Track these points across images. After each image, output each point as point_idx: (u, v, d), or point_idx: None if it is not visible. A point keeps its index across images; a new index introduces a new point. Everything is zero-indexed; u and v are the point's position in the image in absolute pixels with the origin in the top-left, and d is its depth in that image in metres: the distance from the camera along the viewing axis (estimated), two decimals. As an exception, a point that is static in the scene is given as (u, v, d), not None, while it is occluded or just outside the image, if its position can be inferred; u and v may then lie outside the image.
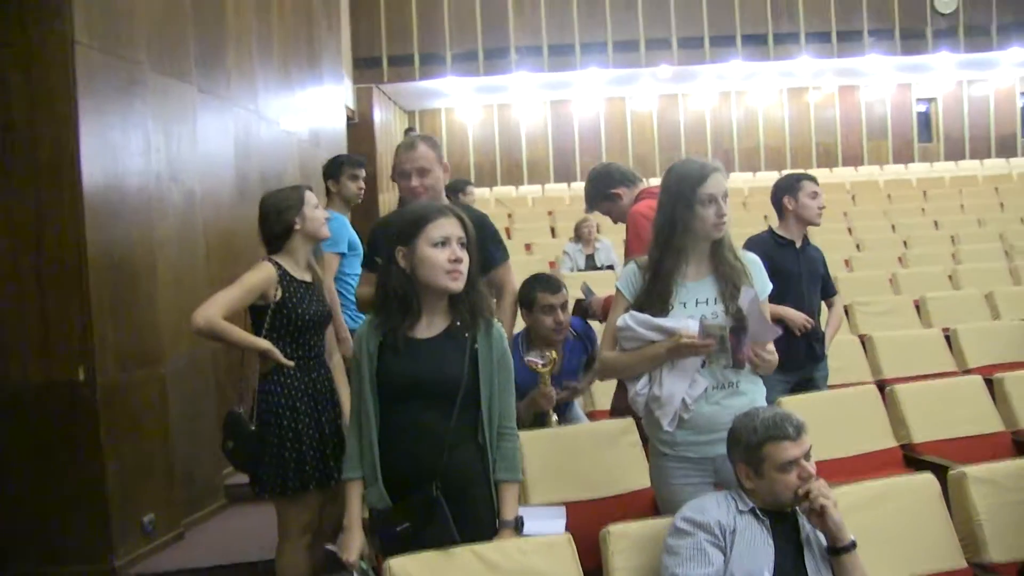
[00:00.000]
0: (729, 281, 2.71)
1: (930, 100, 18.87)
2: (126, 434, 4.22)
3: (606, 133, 18.49)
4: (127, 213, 4.37)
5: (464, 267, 2.42)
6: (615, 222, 4.28)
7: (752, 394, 2.74)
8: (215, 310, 3.08)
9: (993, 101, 18.67)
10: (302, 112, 7.76)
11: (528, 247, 10.52)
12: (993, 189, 14.27)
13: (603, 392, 4.54)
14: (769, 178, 14.27)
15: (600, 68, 15.74)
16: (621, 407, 3.70)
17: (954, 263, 8.57)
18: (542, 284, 3.83)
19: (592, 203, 4.24)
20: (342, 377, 3.41)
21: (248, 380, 3.28)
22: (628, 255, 3.81)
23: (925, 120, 18.76)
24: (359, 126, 13.83)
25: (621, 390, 3.83)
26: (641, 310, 2.71)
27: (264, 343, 3.20)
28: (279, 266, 3.28)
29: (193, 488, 4.83)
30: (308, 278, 3.39)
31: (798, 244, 4.38)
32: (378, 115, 14.74)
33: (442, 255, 2.39)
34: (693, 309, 2.70)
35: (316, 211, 3.39)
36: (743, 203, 12.78)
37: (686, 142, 18.50)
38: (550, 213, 13.32)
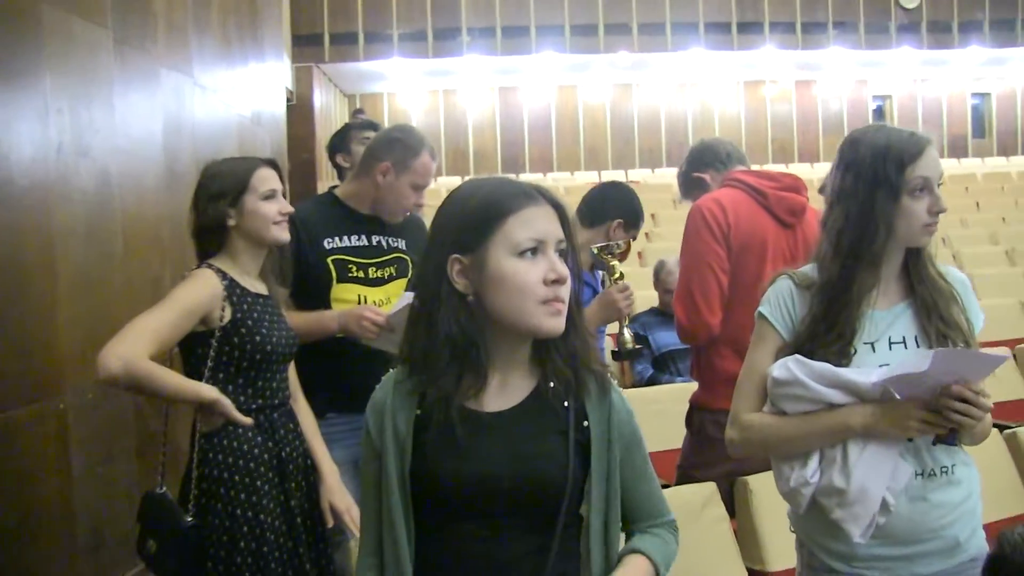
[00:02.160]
0: (934, 311, 1.81)
1: (885, 97, 18.52)
2: (6, 489, 3.13)
3: (556, 123, 17.63)
4: (15, 194, 3.25)
5: (566, 293, 1.42)
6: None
7: (968, 483, 1.85)
8: (137, 347, 2.06)
9: (946, 101, 18.38)
10: (244, 87, 6.65)
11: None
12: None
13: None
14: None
15: (556, 52, 14.88)
16: (697, 469, 2.80)
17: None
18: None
19: (683, 191, 3.38)
20: (315, 432, 2.43)
21: (173, 446, 2.25)
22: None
23: (880, 117, 18.34)
24: (297, 108, 12.66)
25: (705, 446, 2.85)
26: (804, 351, 1.80)
27: (209, 391, 2.17)
28: (224, 275, 2.30)
29: (102, 554, 3.75)
30: (263, 290, 2.41)
31: None
32: (318, 97, 13.62)
33: (534, 272, 1.40)
34: (886, 353, 1.80)
35: (265, 204, 2.37)
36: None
37: (639, 135, 17.79)
38: (497, 205, 12.29)
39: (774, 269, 2.88)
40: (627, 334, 2.84)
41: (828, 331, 1.78)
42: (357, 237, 2.85)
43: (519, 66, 15.37)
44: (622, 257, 2.87)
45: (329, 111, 14.75)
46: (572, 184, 13.11)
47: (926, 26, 15.83)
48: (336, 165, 3.93)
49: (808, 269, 1.90)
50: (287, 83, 11.85)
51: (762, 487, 2.59)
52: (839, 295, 1.80)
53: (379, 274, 2.85)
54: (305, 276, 2.71)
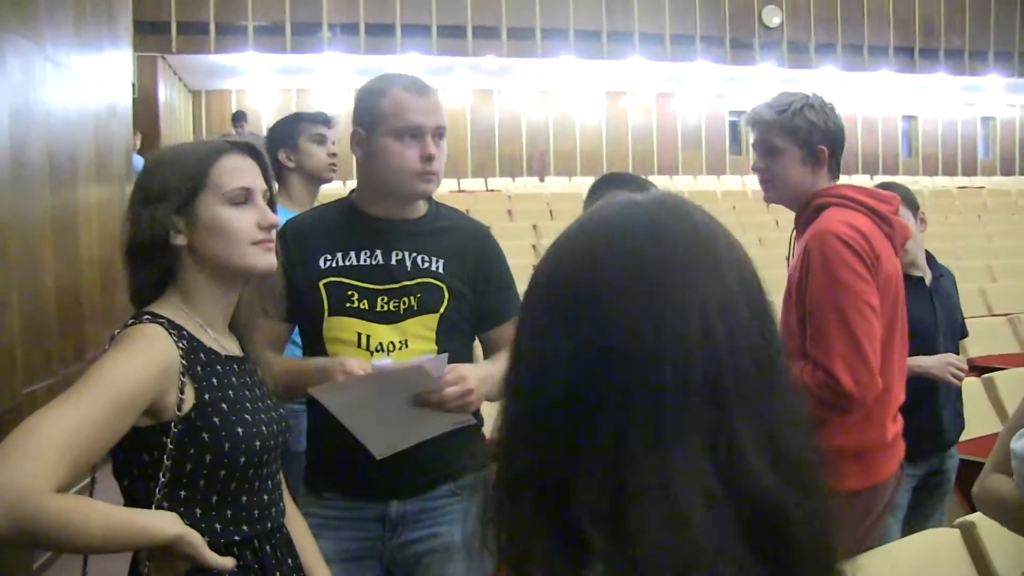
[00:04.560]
0: None
1: (741, 113, 18.77)
2: None
3: (416, 128, 16.87)
4: None
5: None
6: (765, 188, 2.46)
7: None
8: (35, 475, 1.18)
9: (797, 119, 18.79)
10: (100, 72, 5.65)
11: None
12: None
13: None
14: (584, 184, 13.39)
15: (422, 54, 14.17)
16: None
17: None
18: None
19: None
20: (316, 559, 1.66)
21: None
22: (804, 303, 2.24)
23: (736, 132, 18.59)
24: (141, 103, 11.43)
25: None
26: None
27: (167, 524, 1.31)
28: (179, 331, 1.45)
29: None
30: (236, 349, 1.59)
31: (927, 278, 3.04)
32: (163, 92, 12.41)
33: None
34: None
35: (232, 211, 1.53)
36: (550, 211, 11.60)
37: (500, 141, 17.31)
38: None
39: (901, 317, 2.31)
40: None
41: None
42: (367, 253, 2.01)
43: (382, 66, 14.55)
44: None
45: (174, 107, 13.50)
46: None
47: (787, 45, 16.09)
48: (276, 163, 3.12)
49: None
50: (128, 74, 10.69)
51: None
52: None
53: (391, 305, 1.99)
54: (294, 308, 1.88)
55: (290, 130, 3.21)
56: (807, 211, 2.33)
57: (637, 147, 17.82)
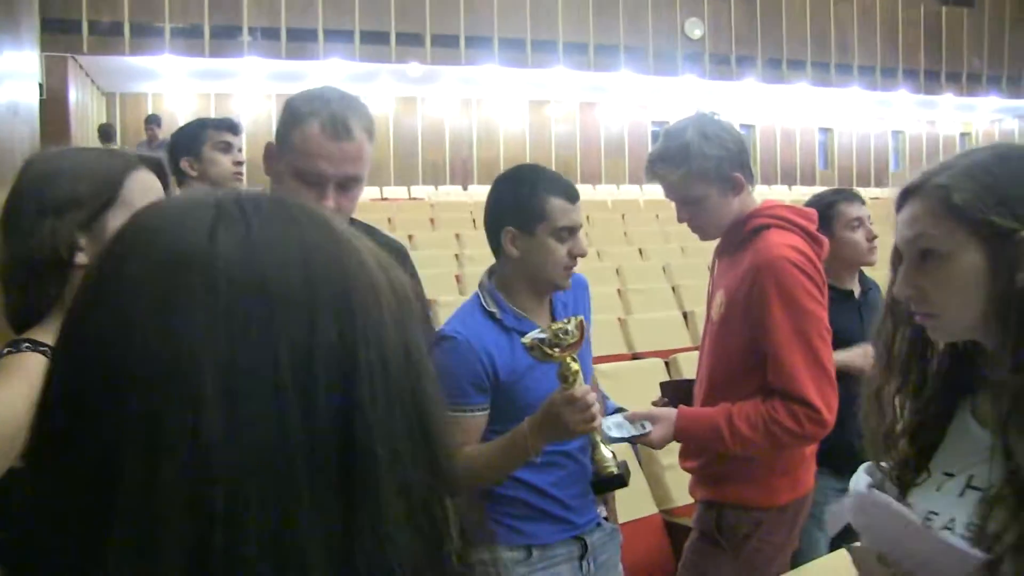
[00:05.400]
0: None
1: (663, 123, 18.99)
2: None
3: (338, 135, 16.66)
4: None
5: None
6: (698, 233, 2.39)
7: None
8: None
9: (719, 129, 19.11)
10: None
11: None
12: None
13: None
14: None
15: (345, 60, 14.00)
16: None
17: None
18: (556, 186, 2.11)
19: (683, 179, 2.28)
20: None
21: None
22: (752, 329, 2.18)
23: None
24: (49, 104, 11.04)
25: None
26: None
27: None
28: None
29: None
30: None
31: (856, 292, 3.05)
32: (74, 93, 12.02)
33: None
34: None
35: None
36: (473, 220, 11.56)
37: (423, 149, 17.22)
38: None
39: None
40: (605, 452, 1.96)
41: None
42: None
43: (303, 71, 14.33)
44: (574, 348, 1.90)
45: (86, 111, 13.08)
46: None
47: (708, 58, 16.35)
48: (178, 172, 2.98)
49: None
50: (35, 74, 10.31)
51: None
52: None
53: None
54: None
55: (194, 137, 3.08)
56: (743, 231, 2.29)
57: (561, 155, 17.89)
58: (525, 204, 2.10)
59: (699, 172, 2.21)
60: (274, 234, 0.55)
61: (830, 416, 2.09)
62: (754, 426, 2.11)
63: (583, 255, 2.13)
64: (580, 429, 1.86)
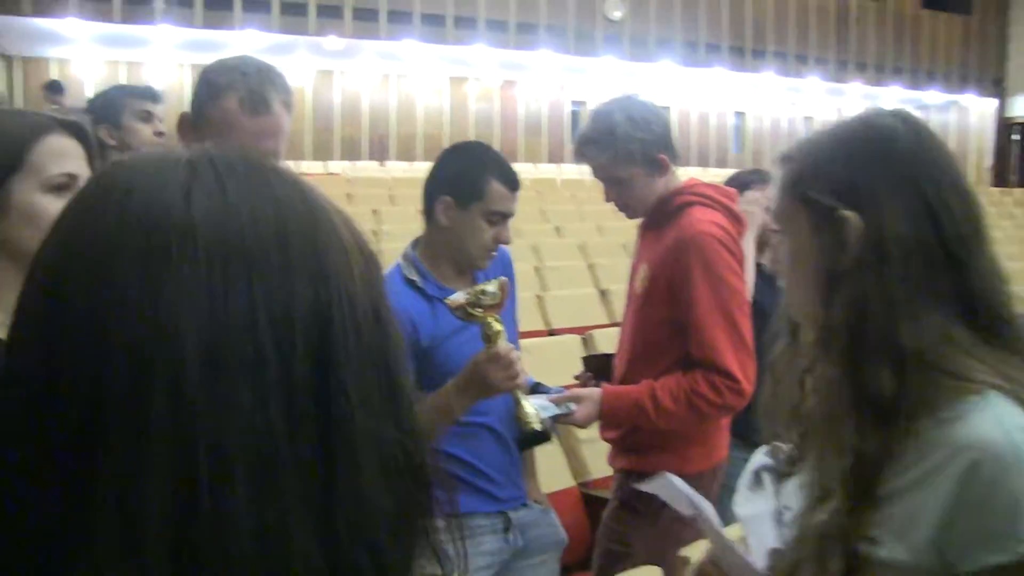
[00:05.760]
0: None
1: (582, 103, 19.10)
2: None
3: (254, 107, 16.32)
4: None
5: None
6: (625, 212, 2.51)
7: None
8: None
9: (636, 111, 19.31)
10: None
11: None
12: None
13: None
14: (424, 169, 13.25)
15: (262, 31, 13.70)
16: None
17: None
18: (501, 171, 2.19)
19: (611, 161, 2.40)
20: None
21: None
22: (675, 302, 2.30)
23: (576, 122, 18.91)
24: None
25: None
26: None
27: None
28: None
29: None
30: None
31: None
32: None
33: None
34: None
35: (51, 200, 1.33)
36: (390, 196, 11.55)
37: (341, 124, 17.01)
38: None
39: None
40: (528, 409, 2.03)
41: None
42: None
43: (219, 41, 13.98)
44: (496, 308, 1.99)
45: (-14, 73, 12.59)
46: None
47: (628, 39, 16.49)
48: (96, 140, 2.91)
49: None
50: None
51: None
52: None
53: None
54: None
55: (113, 105, 3.02)
56: (668, 208, 2.38)
57: (479, 133, 17.84)
58: (466, 179, 2.16)
59: (625, 154, 2.30)
60: (248, 196, 0.55)
61: (748, 386, 2.20)
62: (676, 399, 2.21)
63: (507, 243, 2.20)
64: (504, 386, 1.94)
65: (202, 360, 0.50)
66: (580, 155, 2.41)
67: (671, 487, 1.46)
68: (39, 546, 0.50)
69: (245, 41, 14.05)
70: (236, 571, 0.49)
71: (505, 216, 2.18)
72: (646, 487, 1.50)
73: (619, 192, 2.40)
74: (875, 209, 1.11)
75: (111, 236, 0.53)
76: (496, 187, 2.16)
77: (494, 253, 2.21)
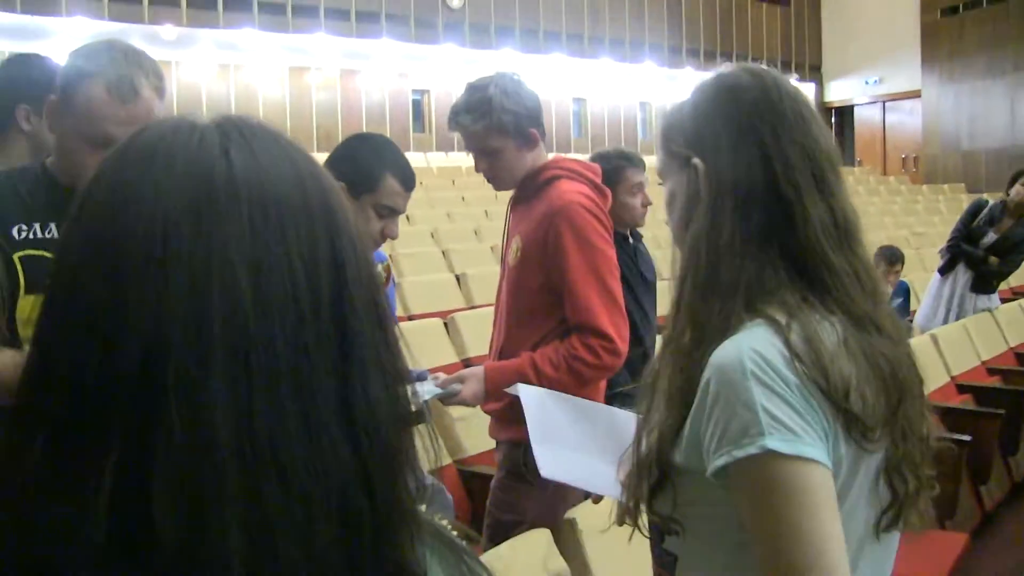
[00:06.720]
0: None
1: (424, 91, 19.13)
2: None
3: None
4: None
5: None
6: (493, 183, 2.64)
7: None
8: None
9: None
10: None
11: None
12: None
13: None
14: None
15: (90, 19, 13.10)
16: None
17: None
18: (398, 168, 2.34)
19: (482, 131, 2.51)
20: None
21: None
22: (547, 269, 2.44)
23: (419, 110, 18.93)
24: None
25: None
26: None
27: None
28: None
29: None
30: None
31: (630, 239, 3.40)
32: None
33: None
34: None
35: None
36: None
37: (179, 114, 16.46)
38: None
39: None
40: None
41: None
42: (60, 226, 1.85)
43: (44, 29, 13.26)
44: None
45: None
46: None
47: (468, 27, 16.64)
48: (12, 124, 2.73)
49: None
50: None
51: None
52: None
53: None
54: None
55: (35, 77, 2.85)
56: (537, 182, 2.53)
57: (321, 123, 17.64)
58: (362, 169, 2.24)
59: (498, 125, 2.44)
60: (273, 156, 0.65)
61: (623, 345, 2.36)
62: (557, 366, 2.35)
63: (394, 238, 2.30)
64: None
65: (253, 293, 0.60)
66: (454, 124, 2.52)
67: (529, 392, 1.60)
68: (123, 438, 0.58)
69: (72, 29, 13.41)
70: (287, 458, 0.60)
71: (394, 212, 2.27)
72: (511, 390, 1.65)
73: (490, 163, 2.53)
74: (716, 155, 1.21)
75: (161, 181, 0.62)
76: (391, 183, 2.25)
77: (378, 245, 2.31)
